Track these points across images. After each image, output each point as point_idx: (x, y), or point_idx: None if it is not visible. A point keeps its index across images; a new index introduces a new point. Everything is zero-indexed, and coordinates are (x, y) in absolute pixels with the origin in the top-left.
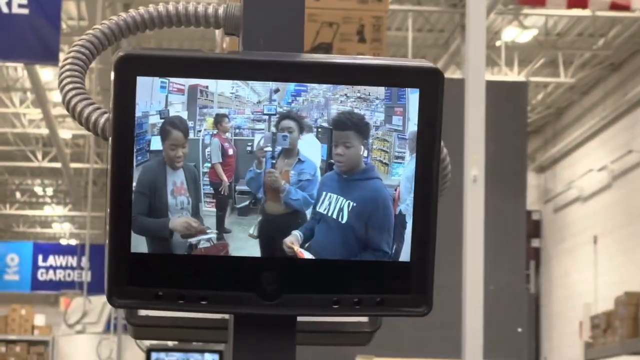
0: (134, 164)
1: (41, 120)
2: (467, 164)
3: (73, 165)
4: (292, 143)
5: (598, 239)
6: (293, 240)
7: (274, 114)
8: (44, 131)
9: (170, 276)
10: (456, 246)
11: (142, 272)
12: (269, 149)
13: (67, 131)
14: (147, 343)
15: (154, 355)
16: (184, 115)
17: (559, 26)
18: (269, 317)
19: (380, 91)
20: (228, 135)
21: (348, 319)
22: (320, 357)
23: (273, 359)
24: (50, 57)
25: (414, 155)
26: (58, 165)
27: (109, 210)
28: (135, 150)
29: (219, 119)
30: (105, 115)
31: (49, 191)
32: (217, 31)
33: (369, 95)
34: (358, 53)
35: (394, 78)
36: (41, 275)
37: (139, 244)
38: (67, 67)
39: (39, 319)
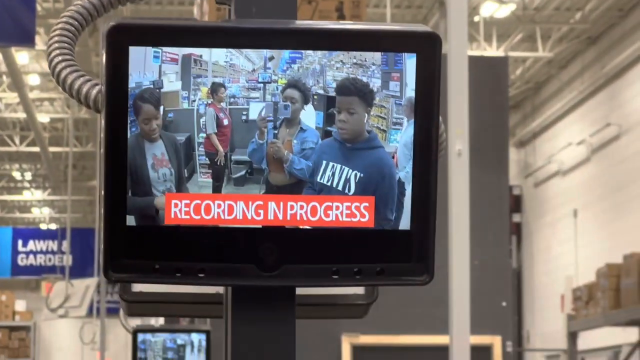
0: (128, 135)
1: (18, 104)
2: (451, 139)
3: (52, 149)
4: (294, 112)
5: (578, 212)
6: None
7: (269, 82)
8: (21, 115)
9: (166, 249)
10: (442, 221)
11: (138, 245)
12: (271, 119)
13: (45, 115)
14: (134, 324)
15: (140, 336)
16: (178, 85)
17: (536, 0)
18: (268, 289)
19: (376, 57)
20: (223, 105)
21: (344, 291)
22: (307, 336)
23: (273, 331)
24: (25, 39)
25: (412, 121)
26: (36, 149)
27: (103, 183)
28: (129, 121)
29: (215, 88)
30: (97, 87)
31: (28, 176)
32: None
33: (365, 61)
34: None
35: (390, 43)
36: (21, 261)
37: (135, 217)
38: (56, 39)
39: (20, 305)
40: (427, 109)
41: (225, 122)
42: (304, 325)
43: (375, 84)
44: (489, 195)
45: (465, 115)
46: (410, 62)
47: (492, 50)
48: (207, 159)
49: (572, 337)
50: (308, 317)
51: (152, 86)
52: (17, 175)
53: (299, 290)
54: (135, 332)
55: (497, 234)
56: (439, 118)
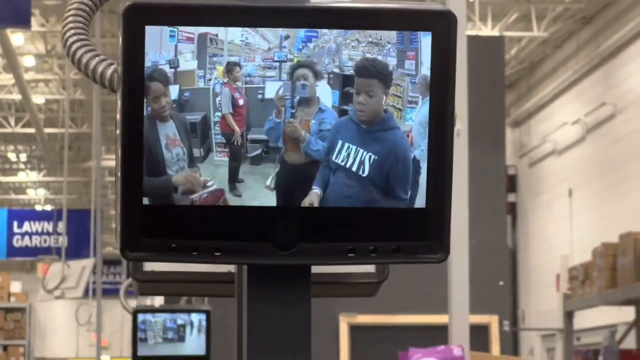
0: (145, 114)
1: (13, 86)
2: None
3: (47, 130)
4: (310, 91)
5: (573, 192)
6: (313, 200)
7: (285, 61)
8: (17, 96)
9: (183, 227)
10: None
11: (154, 224)
12: (288, 98)
13: (40, 96)
14: (133, 304)
15: (140, 316)
16: (194, 64)
17: None
18: (284, 267)
19: (392, 35)
20: (239, 84)
21: (355, 269)
22: None
23: (288, 310)
24: (21, 20)
25: (426, 99)
26: (32, 130)
27: (119, 163)
28: (145, 101)
29: (230, 68)
30: (113, 67)
31: (23, 157)
32: None
33: (381, 39)
34: None
35: (405, 21)
36: (17, 242)
37: (151, 196)
38: (70, 19)
39: (15, 286)
40: (443, 87)
41: (241, 102)
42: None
43: (391, 62)
44: (486, 174)
45: (464, 95)
46: (425, 40)
47: (487, 30)
48: (223, 138)
49: (568, 316)
50: (318, 295)
51: (168, 65)
52: (12, 156)
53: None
54: (135, 313)
55: (494, 214)
56: (454, 96)
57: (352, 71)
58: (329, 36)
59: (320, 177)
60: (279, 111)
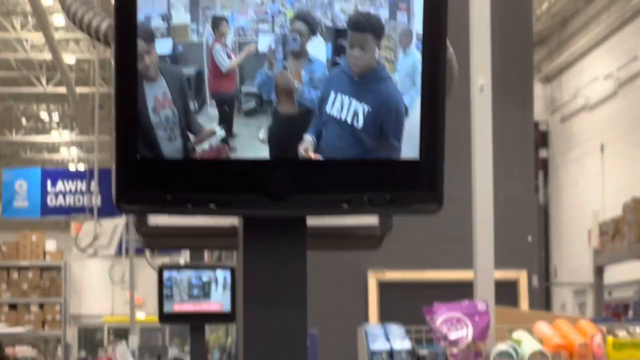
0: (139, 68)
1: (44, 45)
2: (473, 74)
3: (78, 89)
4: (302, 44)
5: (605, 147)
6: (307, 146)
7: (278, 14)
8: (47, 56)
9: (177, 180)
10: (466, 158)
11: (149, 177)
12: (280, 50)
13: (71, 55)
14: (159, 262)
15: (166, 273)
16: (187, 18)
17: None
18: (279, 219)
19: None
20: (229, 38)
21: (359, 222)
22: (333, 272)
23: (284, 261)
24: None
25: (409, 50)
26: (63, 90)
27: (114, 116)
28: (138, 54)
29: (216, 22)
30: (107, 21)
31: (55, 116)
32: None
33: None
34: None
35: None
36: (51, 201)
37: (146, 149)
38: None
39: (50, 245)
40: (435, 40)
41: (232, 59)
42: (329, 262)
43: (383, 14)
44: (513, 130)
45: (487, 50)
46: None
47: None
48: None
49: (599, 271)
50: (322, 248)
51: (160, 19)
52: (44, 116)
53: (314, 222)
54: (160, 270)
55: (522, 169)
56: (446, 49)
57: (345, 25)
58: None
59: (313, 126)
60: (271, 63)
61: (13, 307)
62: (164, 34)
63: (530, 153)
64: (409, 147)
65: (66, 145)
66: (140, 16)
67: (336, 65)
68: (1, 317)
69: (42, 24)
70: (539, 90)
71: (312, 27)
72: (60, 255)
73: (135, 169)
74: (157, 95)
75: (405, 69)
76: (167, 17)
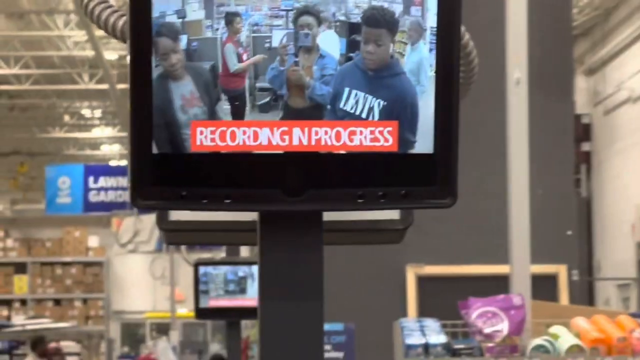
0: (153, 64)
1: (86, 42)
2: (509, 67)
3: (120, 86)
4: (313, 39)
5: None
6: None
7: (292, 10)
8: (90, 53)
9: (193, 175)
10: (503, 152)
11: (165, 173)
12: (292, 46)
13: (113, 52)
14: (195, 257)
15: (201, 269)
16: (201, 14)
17: None
18: (295, 213)
19: None
20: (241, 36)
21: (380, 216)
22: (371, 266)
23: (300, 255)
24: None
25: (417, 45)
26: (105, 86)
27: (130, 112)
28: (153, 50)
29: (230, 19)
30: (124, 18)
31: (97, 113)
32: None
33: None
34: None
35: None
36: (93, 197)
37: (162, 145)
38: None
39: (93, 240)
40: (448, 34)
41: (245, 57)
42: (367, 257)
43: (397, 9)
44: (553, 124)
45: (523, 43)
46: None
47: None
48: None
49: None
50: (344, 242)
51: (175, 16)
52: (87, 112)
53: (334, 216)
54: (196, 265)
55: (561, 163)
56: (460, 42)
57: (359, 20)
58: None
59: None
60: (283, 59)
61: (57, 302)
62: (179, 30)
63: (570, 147)
64: (423, 142)
65: (108, 142)
66: (155, 12)
67: (349, 61)
68: (46, 312)
69: (84, 22)
70: (582, 83)
71: (319, 19)
72: (103, 251)
73: (150, 164)
74: (184, 94)
75: (410, 65)
76: (182, 14)
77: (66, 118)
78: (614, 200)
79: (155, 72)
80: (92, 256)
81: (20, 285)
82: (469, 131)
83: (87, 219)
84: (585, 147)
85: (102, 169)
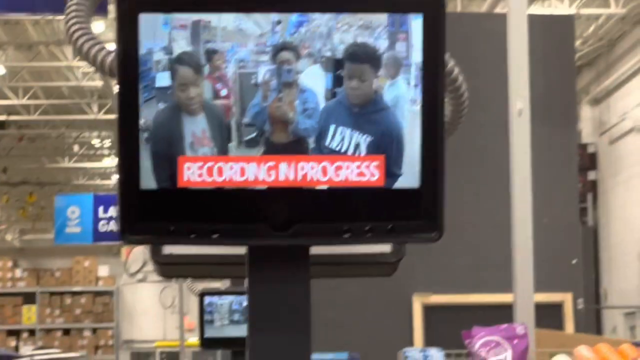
0: (140, 101)
1: (95, 73)
2: (511, 98)
3: None
4: (294, 75)
5: None
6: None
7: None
8: (98, 83)
9: (180, 211)
10: (505, 181)
11: (152, 208)
12: (274, 81)
13: None
14: (200, 287)
15: (207, 299)
16: (188, 50)
17: None
18: (282, 248)
19: (382, 18)
20: (223, 72)
21: (371, 249)
22: (378, 295)
23: (287, 289)
24: (99, 8)
25: (396, 80)
26: (114, 117)
27: (117, 147)
28: (140, 87)
29: (209, 56)
30: (112, 54)
31: (107, 143)
32: None
33: (372, 22)
34: None
35: (396, 4)
36: (102, 227)
37: (149, 181)
38: (73, 7)
39: (103, 270)
40: (434, 70)
41: (224, 92)
42: (374, 285)
43: (382, 45)
44: (557, 154)
45: (525, 75)
46: (416, 23)
47: (564, 8)
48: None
49: None
50: (334, 275)
51: (163, 52)
52: (96, 142)
53: (326, 249)
54: (201, 295)
55: (566, 193)
56: (444, 78)
57: (343, 56)
58: (320, 20)
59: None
60: (265, 95)
61: (66, 332)
62: (165, 67)
63: (574, 176)
64: (409, 177)
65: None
66: (142, 49)
67: (333, 97)
68: (55, 342)
69: None
70: (587, 113)
71: (298, 54)
72: (113, 280)
73: (138, 199)
74: (195, 132)
75: (389, 100)
76: (168, 50)
77: (75, 148)
78: (620, 229)
79: (166, 102)
80: (102, 286)
81: (29, 315)
82: (474, 161)
83: (97, 249)
84: (591, 176)
85: (112, 199)
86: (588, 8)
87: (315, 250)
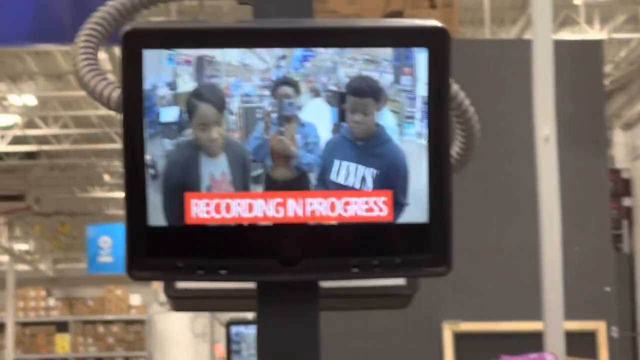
0: (145, 136)
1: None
2: (537, 124)
3: None
4: (296, 108)
5: None
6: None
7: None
8: None
9: (188, 247)
10: (533, 209)
11: (160, 244)
12: (275, 114)
13: None
14: (227, 317)
15: (233, 328)
16: (192, 86)
17: None
18: (291, 283)
19: (387, 52)
20: (234, 105)
21: (385, 282)
22: (407, 324)
23: (297, 325)
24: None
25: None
26: None
27: (124, 183)
28: (145, 122)
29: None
30: (119, 90)
31: None
32: None
33: (377, 57)
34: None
35: (400, 38)
36: None
37: (156, 217)
38: (82, 43)
39: (135, 299)
40: (439, 104)
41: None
42: (403, 314)
43: (388, 79)
44: (588, 179)
45: (550, 101)
46: (421, 56)
47: (595, 33)
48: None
49: None
50: (350, 308)
51: (167, 88)
52: None
53: (341, 283)
54: (228, 325)
55: (598, 219)
56: (449, 112)
57: (346, 89)
58: (325, 55)
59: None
60: (267, 127)
61: None
62: (170, 102)
63: (606, 202)
64: (417, 211)
65: None
66: (147, 85)
67: (337, 132)
68: None
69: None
70: (619, 138)
71: (298, 89)
72: (145, 309)
73: (145, 236)
74: (214, 175)
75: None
76: (173, 86)
77: (106, 177)
78: None
79: (172, 139)
80: (134, 314)
81: (62, 344)
82: (503, 186)
83: (129, 277)
84: (627, 202)
85: None
86: (619, 33)
87: (331, 283)
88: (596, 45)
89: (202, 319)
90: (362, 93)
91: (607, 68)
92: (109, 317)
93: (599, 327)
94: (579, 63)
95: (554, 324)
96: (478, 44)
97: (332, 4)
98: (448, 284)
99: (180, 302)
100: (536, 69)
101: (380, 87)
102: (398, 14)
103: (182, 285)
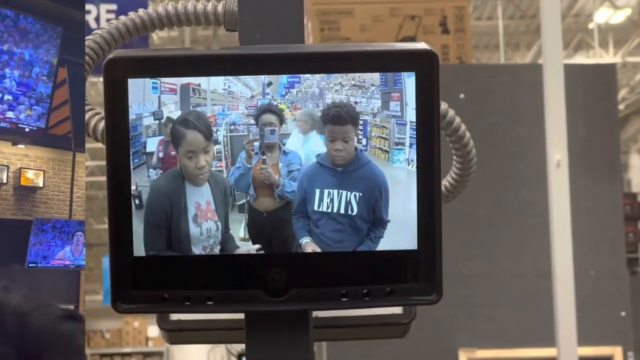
0: (131, 167)
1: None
2: (549, 149)
3: None
4: (278, 136)
5: None
6: (312, 248)
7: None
8: None
9: (174, 278)
10: (545, 231)
11: (145, 276)
12: (257, 143)
13: None
14: (239, 348)
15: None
16: (177, 115)
17: None
18: (279, 313)
19: (375, 77)
20: (220, 133)
21: (381, 311)
22: (422, 351)
23: (288, 356)
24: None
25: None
26: None
27: (109, 214)
28: (131, 153)
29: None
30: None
31: None
32: None
33: (364, 82)
34: (442, 45)
35: (388, 63)
36: None
37: (141, 248)
38: None
39: (152, 330)
40: (428, 128)
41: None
42: (418, 341)
43: (375, 104)
44: (602, 204)
45: (562, 125)
46: (409, 81)
47: (609, 57)
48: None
49: None
50: (346, 338)
51: (152, 117)
52: None
53: (337, 312)
54: (239, 357)
55: (613, 243)
56: (440, 137)
57: (326, 118)
58: (311, 81)
59: (301, 227)
60: (250, 156)
61: None
62: (155, 132)
63: (620, 226)
64: (407, 238)
65: None
66: (132, 114)
67: (315, 160)
68: None
69: None
70: (636, 162)
71: (281, 118)
72: (162, 341)
73: (131, 267)
74: (200, 203)
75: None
76: (158, 115)
77: None
78: None
79: (156, 169)
80: (152, 346)
81: None
82: (516, 211)
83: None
84: None
85: None
86: (634, 56)
87: (326, 313)
88: (610, 69)
89: (220, 349)
90: (342, 121)
91: (622, 92)
92: (127, 349)
93: (615, 352)
94: (592, 87)
95: (568, 349)
96: (491, 68)
97: (344, 31)
98: (463, 310)
99: (174, 334)
100: (547, 93)
101: (355, 111)
102: (411, 40)
103: (175, 317)
